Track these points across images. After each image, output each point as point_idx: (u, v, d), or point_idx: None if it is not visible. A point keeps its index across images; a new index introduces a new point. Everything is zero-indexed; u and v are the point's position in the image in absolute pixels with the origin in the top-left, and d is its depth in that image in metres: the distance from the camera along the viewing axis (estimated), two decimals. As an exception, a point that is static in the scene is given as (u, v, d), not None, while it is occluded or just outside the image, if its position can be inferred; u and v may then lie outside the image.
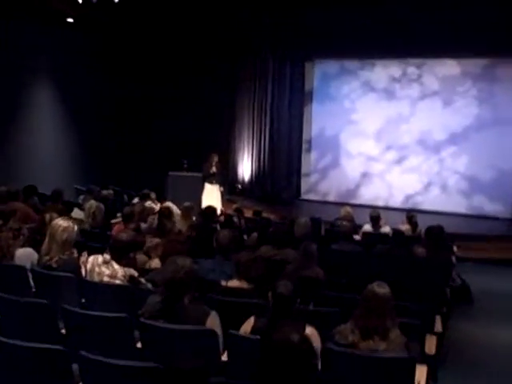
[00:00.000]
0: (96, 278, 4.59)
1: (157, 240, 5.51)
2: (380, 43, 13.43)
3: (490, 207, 13.34)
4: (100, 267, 4.59)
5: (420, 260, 5.62)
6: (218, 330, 3.65)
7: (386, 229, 9.04)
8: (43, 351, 3.05)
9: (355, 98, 14.69)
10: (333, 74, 14.95)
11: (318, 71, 15.12)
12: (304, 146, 15.20)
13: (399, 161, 14.28)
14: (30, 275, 4.77)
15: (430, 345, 4.27)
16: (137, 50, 14.36)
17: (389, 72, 14.36)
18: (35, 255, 5.00)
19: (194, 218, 8.71)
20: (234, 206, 11.21)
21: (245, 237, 8.17)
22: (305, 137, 15.15)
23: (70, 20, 12.39)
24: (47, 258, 4.72)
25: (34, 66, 12.25)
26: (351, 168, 14.78)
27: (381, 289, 3.59)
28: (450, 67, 13.71)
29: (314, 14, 13.47)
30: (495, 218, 13.02)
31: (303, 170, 15.25)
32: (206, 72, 14.37)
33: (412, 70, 14.11)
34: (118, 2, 10.90)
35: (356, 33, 13.37)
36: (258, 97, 15.22)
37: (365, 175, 14.63)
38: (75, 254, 5.13)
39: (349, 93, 14.74)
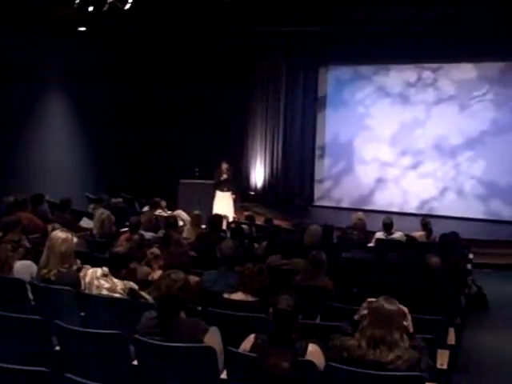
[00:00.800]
0: (95, 291, 4.47)
1: (157, 251, 5.37)
2: (394, 48, 13.32)
3: (508, 212, 13.05)
4: (99, 280, 4.47)
5: (434, 269, 5.43)
6: (218, 347, 3.49)
7: (397, 235, 8.86)
8: (27, 373, 2.92)
9: (369, 104, 14.51)
10: (346, 80, 14.79)
11: (332, 77, 14.99)
12: (317, 152, 15.05)
13: (414, 166, 14.05)
14: (28, 288, 4.65)
15: (443, 359, 4.08)
16: (149, 57, 14.32)
17: (404, 77, 14.17)
18: (34, 268, 4.90)
19: (203, 226, 8.61)
20: (246, 213, 11.08)
21: (255, 245, 8.05)
22: (318, 143, 15.00)
23: (82, 29, 12.39)
24: (45, 271, 4.62)
25: (46, 76, 12.23)
26: (365, 174, 14.58)
27: (387, 303, 3.46)
28: (465, 71, 13.48)
29: (327, 20, 13.37)
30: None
31: (317, 176, 15.09)
32: (218, 79, 14.28)
33: (427, 75, 13.91)
34: (128, 9, 10.86)
35: (370, 38, 13.26)
36: (272, 103, 15.12)
37: (379, 181, 14.42)
38: (77, 265, 5.03)
39: (363, 98, 14.56)
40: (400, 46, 13.18)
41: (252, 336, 3.52)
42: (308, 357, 3.35)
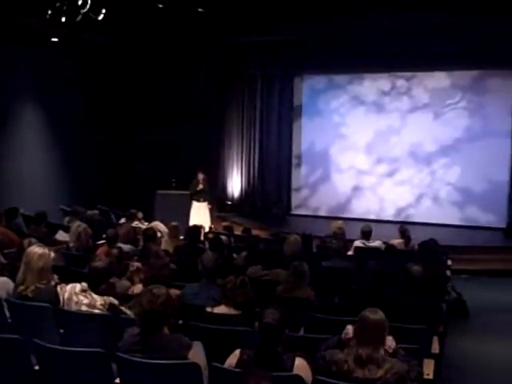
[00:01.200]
0: (74, 307, 4.35)
1: (137, 264, 5.28)
2: (368, 57, 13.43)
3: (483, 218, 13.22)
4: (78, 296, 4.35)
5: (415, 277, 5.43)
6: (202, 363, 3.42)
7: (376, 243, 8.86)
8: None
9: (344, 112, 14.57)
10: (321, 89, 14.84)
11: (307, 86, 15.03)
12: (294, 161, 15.07)
13: (390, 173, 14.14)
14: (5, 305, 4.52)
15: (428, 368, 4.06)
16: (122, 66, 14.19)
17: (378, 85, 14.27)
18: (11, 284, 4.76)
19: (181, 237, 8.52)
20: (224, 223, 11.01)
21: (234, 255, 7.98)
22: (294, 152, 15.02)
23: (55, 39, 12.23)
24: (22, 287, 4.49)
25: (19, 87, 12.07)
26: (342, 182, 14.63)
27: (373, 315, 3.43)
28: (439, 79, 13.64)
29: (302, 30, 13.41)
30: (488, 229, 12.88)
31: (293, 185, 15.11)
32: (194, 89, 14.20)
33: (401, 83, 14.03)
34: (101, 20, 10.75)
35: (344, 47, 13.38)
36: (247, 112, 15.11)
37: (356, 189, 14.48)
38: (55, 281, 4.91)
39: (338, 107, 14.63)
40: (374, 55, 13.30)
41: (237, 351, 3.45)
42: (295, 371, 3.30)
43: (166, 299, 3.52)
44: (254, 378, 2.57)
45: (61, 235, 8.36)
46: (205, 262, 5.16)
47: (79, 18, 10.25)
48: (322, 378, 3.25)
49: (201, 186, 12.34)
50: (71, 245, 7.41)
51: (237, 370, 3.30)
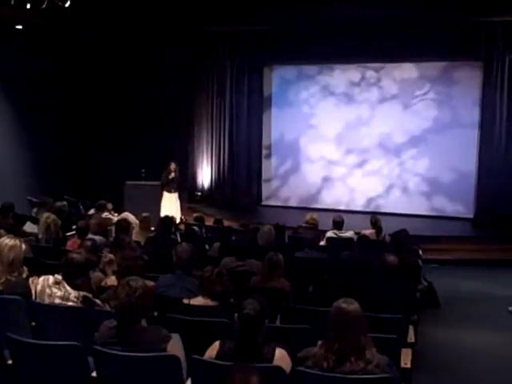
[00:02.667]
0: (47, 300, 4.25)
1: (110, 256, 5.18)
2: (338, 48, 13.41)
3: (451, 208, 13.38)
4: (51, 288, 4.25)
5: (391, 267, 5.46)
6: (181, 355, 3.38)
7: (348, 233, 8.92)
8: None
9: (314, 103, 14.56)
10: (291, 79, 14.80)
11: (277, 76, 14.97)
12: (264, 152, 15.02)
13: (360, 164, 14.20)
14: (-26, 299, 4.39)
15: (406, 358, 4.08)
16: (90, 56, 13.92)
17: (348, 76, 14.27)
18: (-20, 277, 4.63)
19: (152, 229, 8.43)
20: (195, 214, 10.92)
21: (206, 246, 7.93)
22: (264, 142, 14.97)
23: (19, 27, 11.92)
24: (-7, 280, 4.37)
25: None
26: (312, 173, 14.64)
27: (349, 305, 3.32)
28: (407, 71, 13.70)
29: (271, 20, 13.36)
30: (456, 219, 13.06)
31: (264, 175, 15.06)
32: (163, 79, 14.05)
33: (371, 74, 14.06)
34: (68, 7, 10.52)
35: (314, 38, 13.32)
36: (217, 103, 15.00)
37: (326, 179, 14.51)
38: (26, 273, 4.80)
39: (307, 98, 14.61)
40: (343, 45, 13.28)
41: (217, 343, 3.41)
42: (276, 362, 3.27)
43: (143, 292, 3.46)
44: (240, 372, 2.52)
45: (29, 226, 8.20)
46: (180, 253, 5.09)
47: (44, 5, 10.06)
48: (302, 368, 3.22)
49: (172, 175, 12.25)
50: (40, 236, 7.28)
51: (217, 361, 3.26)
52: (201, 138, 15.17)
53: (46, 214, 7.49)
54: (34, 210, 9.80)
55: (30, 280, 4.53)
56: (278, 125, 14.90)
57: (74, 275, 4.25)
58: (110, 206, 10.19)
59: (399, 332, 4.24)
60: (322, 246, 8.36)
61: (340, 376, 3.16)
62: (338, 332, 3.24)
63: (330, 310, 3.39)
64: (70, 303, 4.22)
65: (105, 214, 9.53)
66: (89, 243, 5.62)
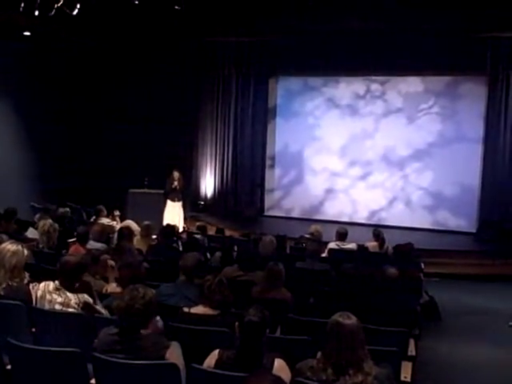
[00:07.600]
0: (47, 306, 4.24)
1: (111, 262, 5.18)
2: (344, 60, 13.49)
3: (454, 222, 13.36)
4: (51, 294, 4.25)
5: (391, 279, 5.45)
6: (180, 363, 3.36)
7: (350, 245, 8.91)
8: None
9: (319, 115, 14.60)
10: (296, 91, 14.84)
11: (282, 87, 15.02)
12: (267, 163, 15.04)
13: (363, 176, 14.21)
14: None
15: (406, 371, 4.06)
16: (96, 62, 13.99)
17: (353, 89, 14.32)
18: (-19, 282, 4.62)
19: (154, 237, 8.44)
20: (198, 223, 10.93)
21: (208, 255, 7.93)
22: (268, 153, 15.00)
23: (27, 33, 11.99)
24: (-6, 285, 4.37)
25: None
26: (315, 184, 14.65)
27: (345, 320, 3.29)
28: (413, 84, 13.74)
29: (277, 31, 13.45)
30: (459, 233, 13.03)
31: (267, 186, 15.07)
32: (168, 88, 14.12)
33: (376, 87, 14.10)
34: (76, 15, 10.57)
35: (320, 50, 13.40)
36: (222, 113, 15.04)
37: (329, 191, 14.52)
38: (27, 279, 4.79)
39: (312, 109, 14.64)
40: (349, 58, 13.35)
41: (216, 351, 3.40)
42: (275, 372, 3.24)
43: (148, 299, 3.45)
44: (256, 380, 2.50)
45: (31, 232, 8.20)
46: (186, 260, 5.09)
47: (53, 12, 10.11)
48: (302, 379, 3.21)
49: (175, 184, 12.25)
50: (41, 246, 7.26)
51: (216, 370, 3.24)
52: (205, 147, 15.20)
53: (42, 221, 7.43)
54: (37, 216, 9.80)
55: (31, 286, 4.52)
56: (283, 136, 14.93)
57: (70, 278, 4.23)
58: (117, 212, 10.28)
59: (400, 345, 4.23)
60: (323, 257, 8.34)
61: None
62: (334, 345, 3.22)
63: (327, 324, 3.38)
64: (71, 309, 4.21)
65: (107, 221, 9.55)
66: (91, 251, 5.60)
